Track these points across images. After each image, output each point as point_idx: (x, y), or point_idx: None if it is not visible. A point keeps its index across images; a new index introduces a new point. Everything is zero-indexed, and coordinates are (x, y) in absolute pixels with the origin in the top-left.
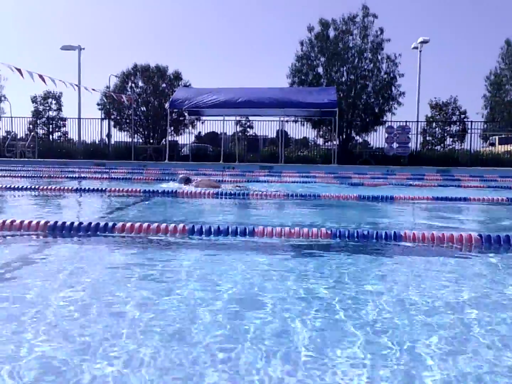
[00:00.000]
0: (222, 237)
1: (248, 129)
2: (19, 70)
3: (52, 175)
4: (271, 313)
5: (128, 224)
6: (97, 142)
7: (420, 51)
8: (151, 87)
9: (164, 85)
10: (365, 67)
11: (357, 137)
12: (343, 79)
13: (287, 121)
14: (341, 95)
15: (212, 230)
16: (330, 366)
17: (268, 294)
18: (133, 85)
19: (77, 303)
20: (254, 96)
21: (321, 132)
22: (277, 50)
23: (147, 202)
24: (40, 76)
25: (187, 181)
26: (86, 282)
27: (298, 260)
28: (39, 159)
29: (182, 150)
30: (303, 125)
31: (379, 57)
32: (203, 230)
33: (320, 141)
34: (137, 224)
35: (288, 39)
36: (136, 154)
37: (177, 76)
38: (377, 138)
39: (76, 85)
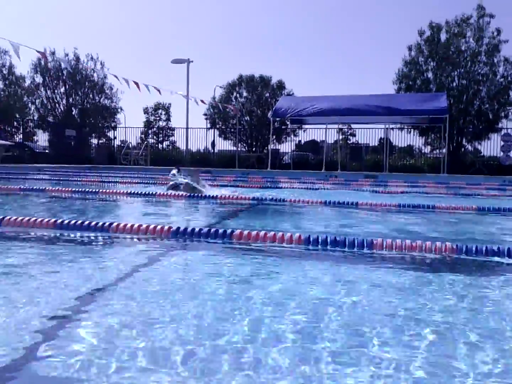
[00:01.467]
0: (340, 248)
1: (350, 137)
2: (136, 84)
3: (164, 182)
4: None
5: (245, 232)
6: (201, 150)
7: None
8: (255, 97)
9: (267, 94)
10: (479, 71)
11: (468, 145)
12: (454, 84)
13: (392, 128)
14: (451, 101)
15: (329, 240)
16: None
17: (392, 306)
18: (237, 95)
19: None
20: (358, 103)
21: (428, 140)
22: (381, 57)
23: (254, 209)
24: (156, 88)
25: (175, 187)
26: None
27: (421, 275)
28: (151, 167)
29: (284, 158)
30: (409, 132)
31: (495, 60)
32: (319, 240)
33: (427, 149)
34: (254, 232)
35: (393, 45)
36: (239, 162)
37: (280, 86)
38: (490, 147)
39: (185, 97)
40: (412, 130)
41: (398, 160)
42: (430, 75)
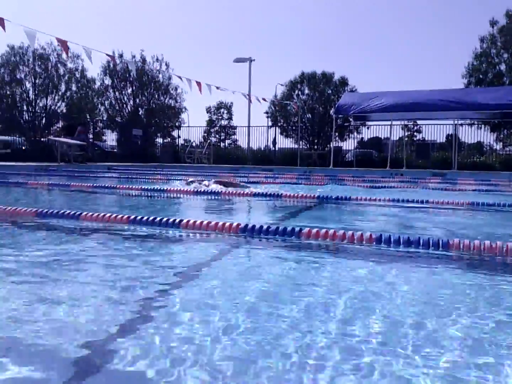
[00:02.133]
0: (413, 248)
1: (416, 134)
2: (198, 84)
3: (229, 180)
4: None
5: (314, 230)
6: (262, 148)
7: None
8: (317, 94)
9: (329, 91)
10: None
11: None
12: None
13: (461, 124)
14: None
15: (402, 240)
16: None
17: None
18: (299, 92)
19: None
20: (424, 98)
21: (501, 136)
22: (447, 51)
23: (317, 207)
24: (218, 88)
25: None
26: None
27: (503, 279)
28: (213, 165)
29: (346, 156)
30: (480, 128)
31: None
32: (392, 239)
33: (498, 145)
34: (322, 231)
35: (461, 38)
36: (301, 160)
37: (343, 82)
38: None
39: (247, 95)
40: (483, 125)
41: (467, 157)
42: (503, 67)
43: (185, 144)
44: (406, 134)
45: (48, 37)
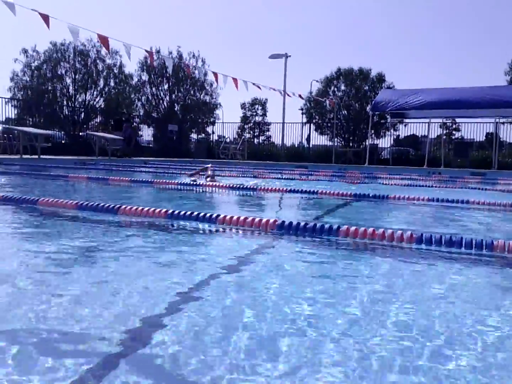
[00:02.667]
0: (456, 248)
1: (454, 132)
2: (234, 80)
3: (262, 176)
4: None
5: (352, 228)
6: (296, 145)
7: None
8: (353, 90)
9: (366, 87)
10: None
11: None
12: None
13: (503, 123)
14: None
15: (443, 240)
16: None
17: None
18: (335, 89)
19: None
20: (465, 96)
21: None
22: (489, 46)
23: (352, 205)
24: (254, 84)
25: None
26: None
27: None
28: (248, 161)
29: (382, 154)
30: None
31: None
32: (433, 239)
33: None
34: (361, 229)
35: (504, 33)
36: (336, 157)
37: (380, 78)
38: None
39: (282, 92)
40: None
41: (508, 156)
42: None
43: (219, 140)
44: (445, 132)
45: (88, 34)
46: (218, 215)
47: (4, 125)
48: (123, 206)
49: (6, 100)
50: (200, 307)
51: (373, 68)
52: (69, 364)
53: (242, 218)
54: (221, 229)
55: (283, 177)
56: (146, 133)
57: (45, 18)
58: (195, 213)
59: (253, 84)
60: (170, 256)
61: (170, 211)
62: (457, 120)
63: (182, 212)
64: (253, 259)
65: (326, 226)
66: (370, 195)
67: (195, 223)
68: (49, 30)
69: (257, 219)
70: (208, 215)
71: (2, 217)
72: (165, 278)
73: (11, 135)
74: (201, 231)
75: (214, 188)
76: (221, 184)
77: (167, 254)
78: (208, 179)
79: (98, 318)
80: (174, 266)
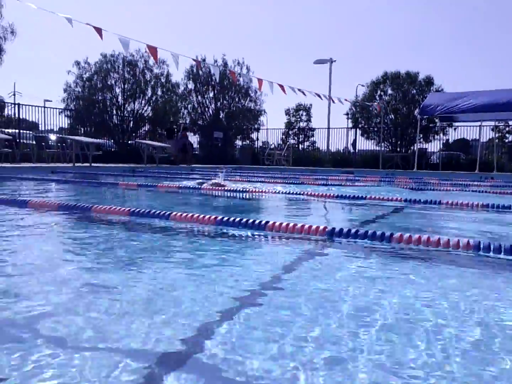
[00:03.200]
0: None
1: (507, 135)
2: (281, 86)
3: (308, 182)
4: None
5: (406, 235)
6: (340, 150)
7: None
8: (400, 94)
9: (414, 91)
10: None
11: None
12: None
13: None
14: None
15: (503, 248)
16: None
17: None
18: (381, 93)
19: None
20: None
21: None
22: None
23: (401, 211)
24: (300, 90)
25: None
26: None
27: None
28: (293, 167)
29: (431, 158)
30: None
31: None
32: (492, 247)
33: None
34: (415, 236)
35: None
36: (383, 162)
37: (429, 81)
38: None
39: (328, 97)
40: None
41: None
42: None
43: (263, 146)
44: (497, 135)
45: (137, 45)
46: (267, 222)
47: (58, 135)
48: (174, 213)
49: (60, 110)
50: (255, 313)
51: (421, 71)
52: (128, 367)
53: (291, 224)
54: (270, 236)
55: (329, 183)
56: (192, 140)
57: (99, 30)
58: (244, 219)
59: (299, 90)
60: (219, 262)
61: (220, 217)
62: (511, 122)
63: (232, 219)
64: (302, 266)
65: (378, 232)
66: (421, 200)
67: (244, 230)
68: (100, 42)
69: (306, 226)
70: (257, 221)
71: (59, 224)
72: (215, 283)
73: (64, 144)
74: (250, 238)
75: (260, 194)
76: (267, 190)
77: (216, 260)
78: (213, 185)
79: (151, 322)
80: (222, 272)
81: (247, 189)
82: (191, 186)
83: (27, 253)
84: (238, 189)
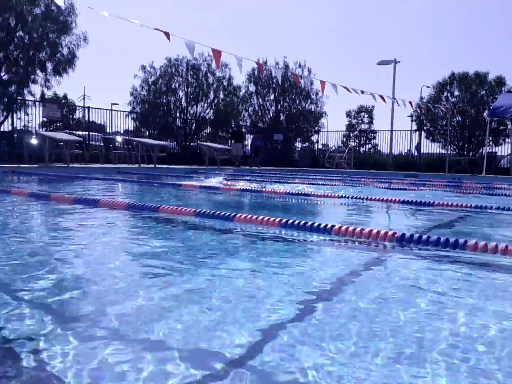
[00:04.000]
0: None
1: None
2: (345, 88)
3: (370, 185)
4: None
5: (482, 243)
6: (403, 153)
7: None
8: (468, 95)
9: (483, 92)
10: None
11: None
12: None
13: None
14: None
15: None
16: None
17: None
18: (448, 94)
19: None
20: None
21: None
22: None
23: (470, 218)
24: (363, 92)
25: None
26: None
27: None
28: (354, 170)
29: (501, 163)
30: None
31: None
32: None
33: None
34: (492, 244)
35: None
36: (449, 166)
37: (500, 82)
38: None
39: (392, 98)
40: None
41: None
42: None
43: (323, 148)
44: None
45: (200, 49)
46: (333, 226)
47: (124, 137)
48: (238, 215)
49: (126, 113)
50: (319, 317)
51: (491, 71)
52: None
53: (358, 229)
54: (336, 240)
55: (392, 187)
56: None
57: (167, 34)
58: (309, 223)
59: (362, 92)
60: (283, 265)
61: (284, 220)
62: None
63: (296, 222)
64: (370, 272)
65: (452, 240)
66: (493, 207)
67: (309, 233)
68: (164, 48)
69: (374, 231)
70: (323, 225)
71: (127, 223)
72: (278, 286)
73: (130, 146)
74: (316, 242)
75: (321, 199)
76: (328, 194)
77: (279, 262)
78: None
79: (214, 322)
80: (286, 275)
81: (310, 193)
82: (252, 189)
83: (108, 252)
84: (299, 192)
